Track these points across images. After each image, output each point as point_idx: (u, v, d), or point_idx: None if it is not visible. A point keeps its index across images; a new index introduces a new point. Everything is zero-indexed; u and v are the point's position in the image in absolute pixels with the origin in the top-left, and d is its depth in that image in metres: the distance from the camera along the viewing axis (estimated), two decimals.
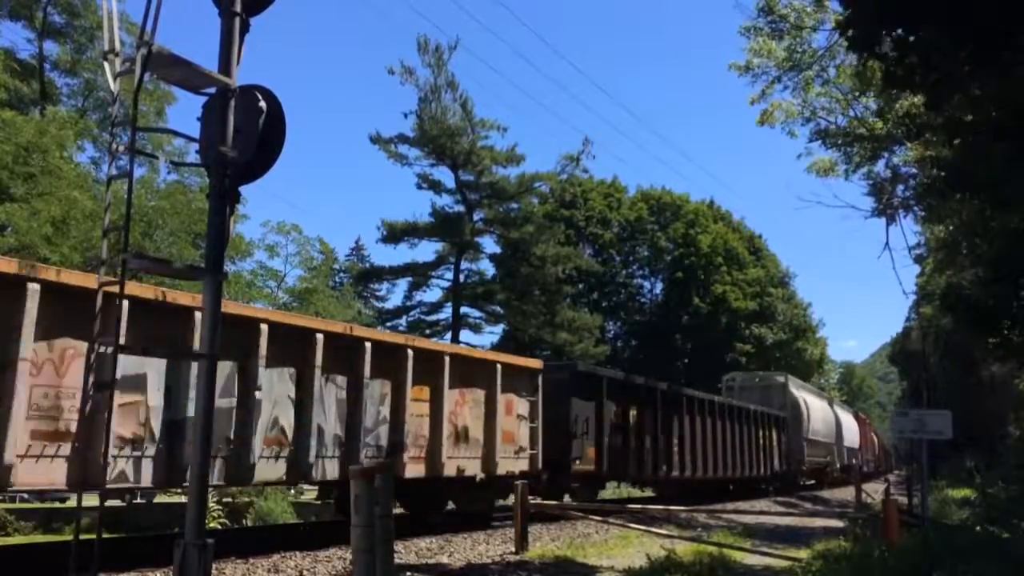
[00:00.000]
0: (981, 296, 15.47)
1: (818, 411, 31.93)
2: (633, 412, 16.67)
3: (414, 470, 10.56)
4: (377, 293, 49.72)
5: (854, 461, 40.88)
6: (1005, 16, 7.31)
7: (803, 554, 9.46)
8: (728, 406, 22.25)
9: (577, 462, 14.25)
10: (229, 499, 19.02)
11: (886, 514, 9.40)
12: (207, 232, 4.83)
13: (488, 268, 38.71)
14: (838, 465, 35.38)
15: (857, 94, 18.25)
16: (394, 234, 34.24)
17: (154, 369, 7.24)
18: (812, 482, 33.07)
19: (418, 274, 36.19)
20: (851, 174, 20.57)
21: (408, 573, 7.97)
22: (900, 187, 20.10)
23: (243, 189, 5.02)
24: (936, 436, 12.75)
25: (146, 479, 7.20)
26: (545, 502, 12.63)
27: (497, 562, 9.05)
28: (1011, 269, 13.50)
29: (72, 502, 15.10)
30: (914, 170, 18.95)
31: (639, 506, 12.95)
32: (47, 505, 19.09)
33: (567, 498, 14.73)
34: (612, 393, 15.87)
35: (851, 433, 39.41)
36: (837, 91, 18.92)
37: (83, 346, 6.71)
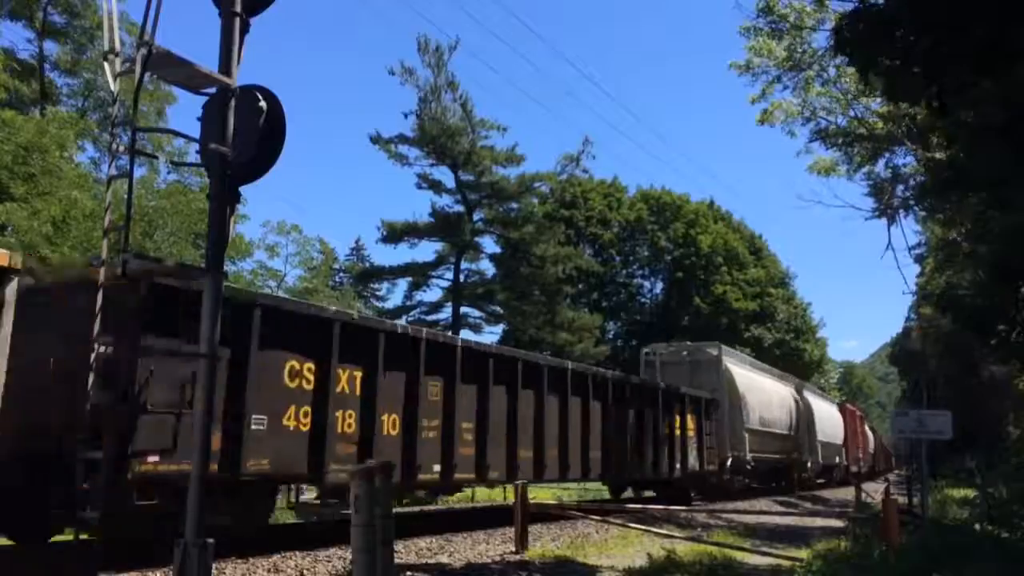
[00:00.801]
0: (978, 298, 15.46)
1: (771, 395, 25.73)
2: (356, 374, 9.77)
3: None
4: (377, 293, 49.69)
5: (838, 460, 35.90)
6: (1006, 20, 7.31)
7: (803, 554, 9.46)
8: (598, 378, 15.20)
9: (155, 459, 7.30)
10: None
11: (886, 514, 9.39)
12: (207, 232, 4.83)
13: (488, 268, 38.71)
14: (809, 464, 29.75)
15: (858, 95, 18.26)
16: (394, 234, 34.24)
17: None
18: (771, 485, 26.92)
19: (418, 274, 36.17)
20: (853, 174, 20.64)
21: (408, 573, 7.98)
22: (900, 187, 20.13)
23: (243, 189, 5.02)
24: (936, 436, 12.75)
25: None
26: (545, 503, 12.63)
27: (497, 562, 9.06)
28: (1011, 270, 13.49)
29: None
30: (914, 170, 18.98)
31: (639, 506, 12.94)
32: None
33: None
34: (286, 336, 8.81)
35: (830, 426, 33.67)
36: (837, 91, 18.94)
37: None
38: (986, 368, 36.89)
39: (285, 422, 8.86)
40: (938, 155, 15.17)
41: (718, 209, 56.21)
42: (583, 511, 11.81)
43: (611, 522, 11.42)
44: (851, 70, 17.72)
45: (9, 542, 8.36)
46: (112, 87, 4.96)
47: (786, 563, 9.03)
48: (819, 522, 15.34)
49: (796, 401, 29.71)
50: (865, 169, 20.50)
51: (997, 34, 7.35)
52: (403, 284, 38.54)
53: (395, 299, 57.63)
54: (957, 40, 7.43)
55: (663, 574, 8.05)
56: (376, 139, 33.10)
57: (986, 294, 15.15)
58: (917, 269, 33.53)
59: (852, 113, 19.09)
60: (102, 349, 6.59)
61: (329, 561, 8.26)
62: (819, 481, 32.26)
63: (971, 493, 22.41)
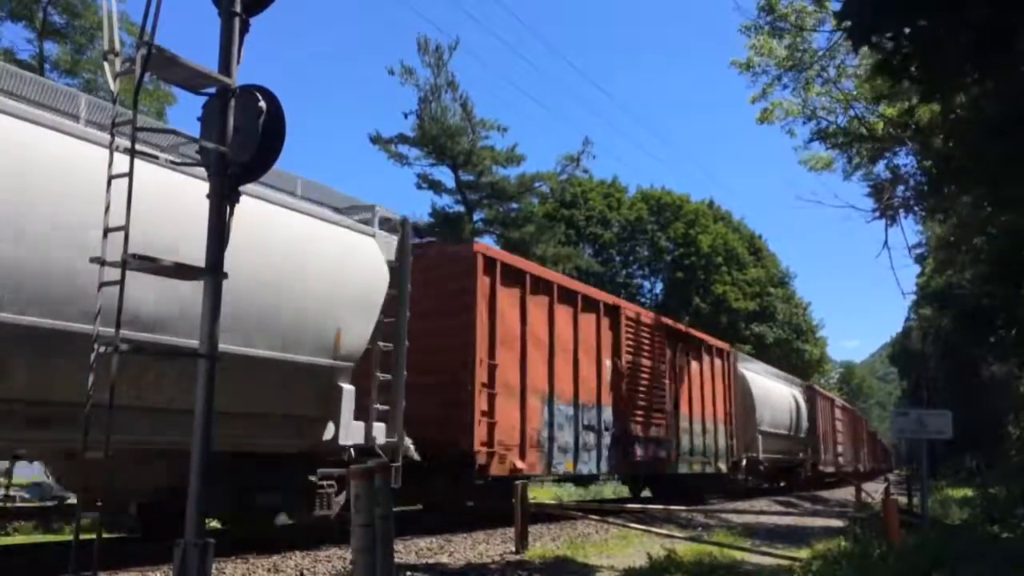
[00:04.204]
0: (981, 298, 15.49)
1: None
2: None
3: None
4: None
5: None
6: (1005, 11, 7.30)
7: (803, 554, 9.47)
8: None
9: None
10: None
11: (886, 514, 9.41)
12: (207, 232, 4.83)
13: None
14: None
15: (859, 97, 18.29)
16: None
17: None
18: None
19: None
20: (849, 175, 20.72)
21: (408, 573, 7.97)
22: (900, 187, 20.15)
23: (243, 189, 5.03)
24: (936, 436, 12.76)
25: None
26: (545, 503, 12.67)
27: (497, 562, 9.06)
28: (1011, 269, 13.51)
29: (72, 501, 15.09)
30: (914, 169, 19.01)
31: (639, 506, 12.94)
32: (46, 504, 19.10)
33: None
34: None
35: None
36: (837, 90, 18.97)
37: None
38: (986, 368, 36.94)
39: None
40: (935, 146, 15.17)
41: (718, 209, 56.27)
42: (583, 511, 11.81)
43: (611, 522, 11.42)
44: (851, 69, 17.82)
45: (4, 540, 8.36)
46: (112, 87, 4.95)
47: (786, 563, 9.03)
48: (819, 522, 15.34)
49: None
50: (863, 170, 20.57)
51: (997, 25, 7.33)
52: None
53: None
54: (955, 22, 7.41)
55: (663, 574, 8.05)
56: (376, 139, 33.12)
57: (985, 293, 15.18)
58: (917, 269, 33.56)
59: (852, 112, 19.12)
60: None
61: (329, 561, 8.26)
62: None
63: (971, 493, 22.44)
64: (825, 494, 29.11)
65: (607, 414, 14.69)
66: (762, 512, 15.93)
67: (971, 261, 18.59)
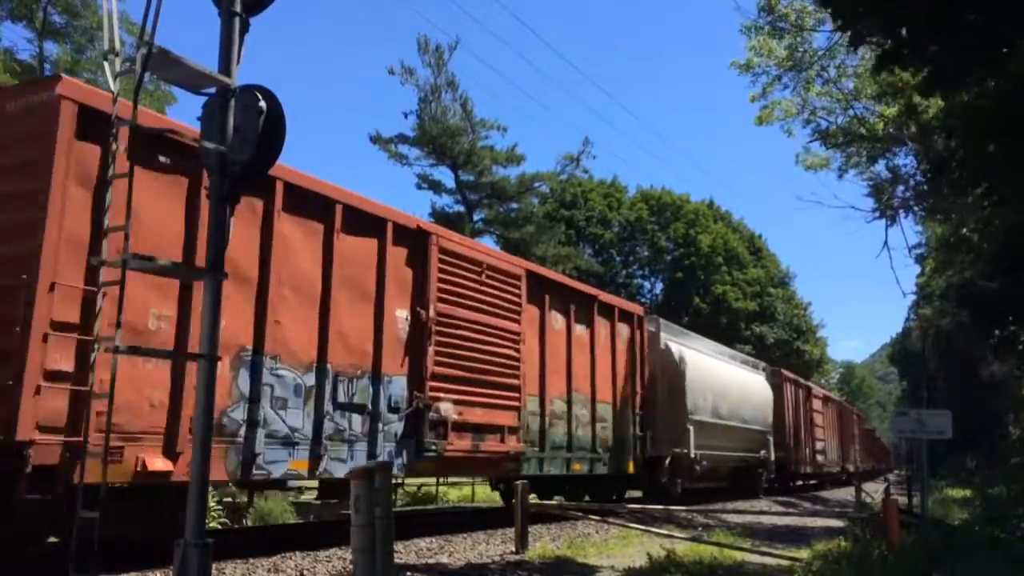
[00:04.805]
0: (987, 290, 15.51)
1: None
2: None
3: None
4: None
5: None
6: (997, 17, 7.32)
7: (803, 554, 9.47)
8: None
9: None
10: (229, 499, 18.93)
11: (886, 514, 9.40)
12: (207, 232, 4.83)
13: None
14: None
15: (861, 95, 18.31)
16: None
17: None
18: None
19: None
20: (844, 173, 20.78)
21: (408, 573, 7.98)
22: (900, 187, 20.18)
23: None
24: (936, 436, 12.72)
25: None
26: (545, 503, 12.67)
27: (497, 562, 9.06)
28: (1010, 265, 13.52)
29: None
30: (914, 170, 19.05)
31: (639, 506, 12.93)
32: None
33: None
34: None
35: None
36: (837, 91, 19.00)
37: None
38: (986, 368, 36.96)
39: None
40: (934, 141, 15.17)
41: (718, 209, 56.28)
42: (583, 511, 11.81)
43: (611, 522, 11.42)
44: (851, 69, 17.84)
45: None
46: (112, 87, 4.96)
47: (786, 563, 9.03)
48: (819, 522, 15.35)
49: None
50: (859, 169, 20.65)
51: (988, 24, 7.34)
52: None
53: None
54: (945, 28, 7.43)
55: (663, 574, 8.05)
56: (376, 139, 33.13)
57: (988, 289, 15.20)
58: (917, 269, 33.62)
59: (852, 112, 19.15)
60: None
61: (329, 561, 8.27)
62: None
63: (971, 493, 22.45)
64: (825, 494, 29.13)
65: (397, 388, 9.93)
66: (762, 512, 15.95)
67: (971, 261, 18.61)
